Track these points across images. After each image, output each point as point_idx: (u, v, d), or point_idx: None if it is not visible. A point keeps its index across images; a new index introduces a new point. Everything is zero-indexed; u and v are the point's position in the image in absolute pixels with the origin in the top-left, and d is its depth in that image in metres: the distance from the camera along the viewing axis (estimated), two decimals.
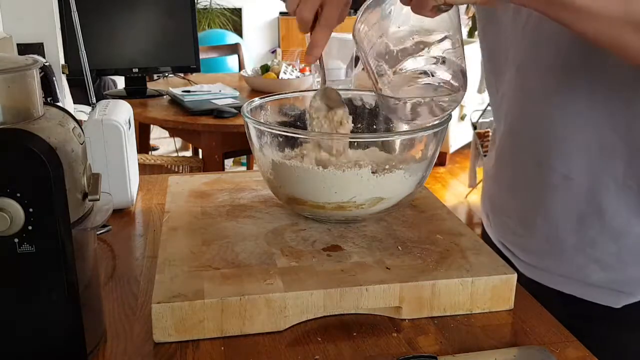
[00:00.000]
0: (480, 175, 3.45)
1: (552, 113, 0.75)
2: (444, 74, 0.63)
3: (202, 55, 2.65)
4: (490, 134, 0.95)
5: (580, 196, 0.76)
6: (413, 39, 0.62)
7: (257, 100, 0.81)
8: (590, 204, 0.75)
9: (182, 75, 2.80)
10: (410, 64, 0.63)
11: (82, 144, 0.54)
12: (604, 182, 0.74)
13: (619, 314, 0.76)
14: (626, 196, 0.73)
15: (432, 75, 0.64)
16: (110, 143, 0.88)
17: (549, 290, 0.80)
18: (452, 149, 4.05)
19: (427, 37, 0.62)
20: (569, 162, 0.75)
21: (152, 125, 2.59)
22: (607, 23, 0.57)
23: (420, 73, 0.64)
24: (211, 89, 2.42)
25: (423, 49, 0.62)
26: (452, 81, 0.64)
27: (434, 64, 0.63)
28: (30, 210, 0.48)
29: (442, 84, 0.64)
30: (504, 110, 0.85)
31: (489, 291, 0.65)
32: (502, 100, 0.84)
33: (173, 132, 2.78)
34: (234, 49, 3.84)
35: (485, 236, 0.95)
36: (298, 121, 0.86)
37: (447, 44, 0.63)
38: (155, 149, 4.23)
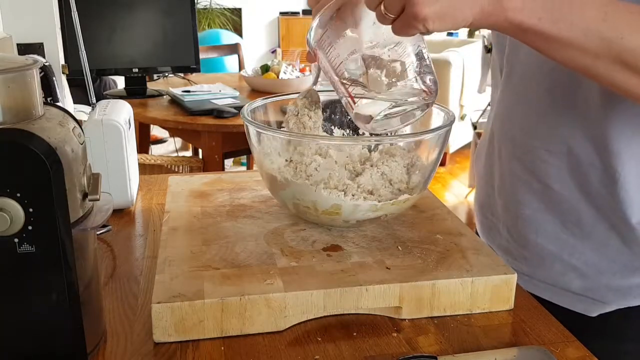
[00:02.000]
0: None
1: (535, 121, 0.76)
2: (419, 85, 0.64)
3: (202, 55, 2.65)
4: (483, 132, 0.96)
5: (560, 205, 0.76)
6: (389, 56, 0.63)
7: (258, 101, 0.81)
8: (569, 214, 0.76)
9: (182, 75, 2.80)
10: (386, 81, 0.64)
11: (82, 144, 0.54)
12: (582, 194, 0.74)
13: (594, 324, 0.76)
14: (599, 211, 0.74)
15: (408, 87, 0.64)
16: (110, 143, 0.88)
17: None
18: (452, 149, 4.05)
19: (400, 52, 0.63)
20: (549, 171, 0.76)
21: (152, 126, 2.59)
22: (578, 53, 0.57)
23: (395, 86, 0.64)
24: (211, 89, 2.42)
25: (398, 63, 0.63)
26: (425, 89, 0.64)
27: (410, 78, 0.64)
28: (30, 210, 0.48)
29: (418, 97, 0.65)
30: (494, 110, 0.85)
31: (489, 291, 0.65)
32: (495, 100, 0.85)
33: (173, 132, 2.78)
34: (234, 49, 3.85)
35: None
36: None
37: (420, 55, 0.64)
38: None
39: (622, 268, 0.75)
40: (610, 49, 0.56)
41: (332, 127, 0.86)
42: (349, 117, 0.88)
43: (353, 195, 0.69)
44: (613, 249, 0.74)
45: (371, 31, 0.63)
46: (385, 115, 0.65)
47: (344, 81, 0.65)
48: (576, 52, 0.57)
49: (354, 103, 0.66)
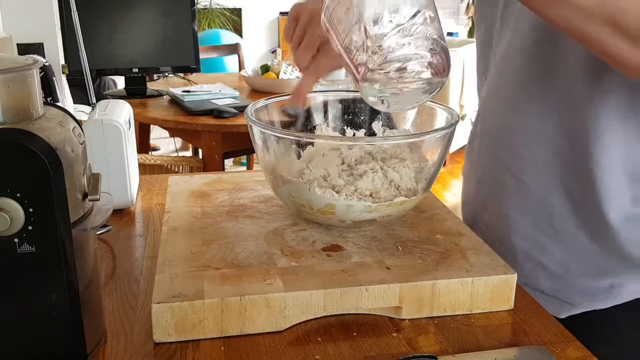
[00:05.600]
0: None
1: (510, 117, 0.76)
2: (426, 54, 0.60)
3: (202, 55, 2.65)
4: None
5: (533, 201, 0.76)
6: (391, 21, 0.59)
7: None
8: (542, 211, 0.76)
9: (182, 75, 2.80)
10: (390, 49, 0.60)
11: (82, 144, 0.54)
12: (554, 189, 0.74)
13: (564, 325, 0.76)
14: (573, 205, 0.73)
15: (415, 59, 0.61)
16: (110, 143, 0.88)
17: None
18: (452, 149, 4.06)
19: (404, 16, 0.60)
20: (524, 167, 0.75)
21: (152, 125, 2.59)
22: (571, 10, 0.55)
23: (401, 57, 0.61)
24: (211, 89, 2.42)
25: (401, 30, 0.60)
26: (434, 60, 0.61)
27: (416, 45, 0.60)
28: (30, 210, 0.48)
29: (427, 66, 0.62)
30: (480, 108, 0.86)
31: (489, 291, 0.65)
32: (480, 99, 0.86)
33: (173, 132, 2.78)
34: (234, 49, 3.85)
35: None
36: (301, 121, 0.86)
37: (424, 18, 0.60)
38: (155, 149, 4.24)
39: (589, 269, 0.74)
40: (604, 7, 0.54)
41: (345, 127, 0.86)
42: (359, 117, 0.87)
43: (347, 196, 0.69)
44: (581, 247, 0.74)
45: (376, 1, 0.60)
46: (388, 87, 0.62)
47: (349, 53, 0.62)
48: (570, 9, 0.55)
49: (358, 73, 0.63)
